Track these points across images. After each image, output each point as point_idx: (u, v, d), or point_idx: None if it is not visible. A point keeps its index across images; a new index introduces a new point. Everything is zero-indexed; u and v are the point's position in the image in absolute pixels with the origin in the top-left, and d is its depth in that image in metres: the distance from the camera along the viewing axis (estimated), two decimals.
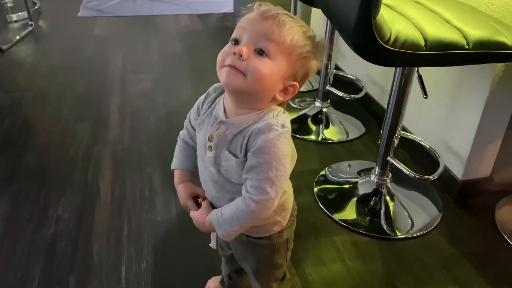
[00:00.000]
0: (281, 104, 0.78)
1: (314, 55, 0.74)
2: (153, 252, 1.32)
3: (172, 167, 0.89)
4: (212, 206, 0.83)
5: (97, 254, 1.31)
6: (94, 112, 2.08)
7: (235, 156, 0.74)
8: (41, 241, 1.35)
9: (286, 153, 0.72)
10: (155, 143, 1.86)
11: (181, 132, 0.90)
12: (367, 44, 1.05)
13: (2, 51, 2.71)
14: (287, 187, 0.85)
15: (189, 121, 0.87)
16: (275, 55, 0.70)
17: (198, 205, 0.85)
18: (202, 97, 0.84)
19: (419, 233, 1.43)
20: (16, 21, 3.22)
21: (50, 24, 3.30)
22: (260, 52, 0.70)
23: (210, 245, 0.96)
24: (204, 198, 0.85)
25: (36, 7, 3.44)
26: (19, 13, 3.23)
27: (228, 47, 0.73)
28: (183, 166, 0.87)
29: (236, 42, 0.72)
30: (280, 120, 0.73)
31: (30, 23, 3.11)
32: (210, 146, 0.77)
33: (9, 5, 3.38)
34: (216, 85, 0.82)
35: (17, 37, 2.90)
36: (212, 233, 0.95)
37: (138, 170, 1.69)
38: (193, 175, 0.88)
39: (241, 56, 0.69)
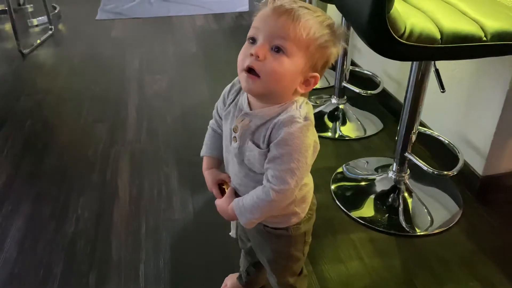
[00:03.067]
0: (303, 94, 0.78)
1: (333, 43, 0.74)
2: (170, 250, 1.33)
3: (201, 154, 0.92)
4: (236, 194, 0.84)
5: (116, 252, 1.33)
6: (112, 113, 2.11)
7: (258, 146, 0.76)
8: (62, 240, 1.38)
9: (308, 145, 0.73)
10: (172, 143, 1.87)
11: (210, 121, 0.92)
12: (381, 38, 1.03)
13: (23, 55, 2.78)
14: (309, 180, 0.86)
15: (217, 111, 0.89)
16: (292, 51, 0.70)
17: (222, 192, 0.87)
18: (228, 87, 0.85)
19: (438, 230, 1.40)
20: (36, 26, 3.29)
21: (69, 27, 3.36)
22: (277, 50, 0.70)
23: (230, 234, 0.98)
24: (228, 185, 0.86)
25: (56, 12, 3.50)
26: (40, 18, 3.30)
27: (246, 47, 0.73)
28: (211, 153, 0.90)
29: (253, 40, 0.72)
30: (303, 112, 0.74)
31: (50, 27, 3.17)
32: (235, 137, 0.79)
33: (30, 10, 3.46)
34: None
35: (38, 41, 2.97)
36: (232, 222, 0.97)
37: (155, 169, 1.70)
38: (220, 162, 0.90)
39: (258, 57, 0.70)
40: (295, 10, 0.70)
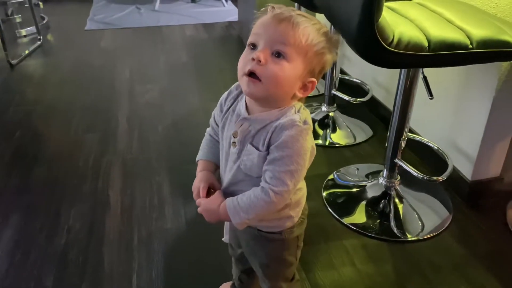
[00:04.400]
0: (300, 100, 0.80)
1: (328, 50, 0.77)
2: (163, 260, 1.33)
3: (197, 159, 0.92)
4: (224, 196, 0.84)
5: (108, 262, 1.32)
6: (103, 123, 2.10)
7: (257, 149, 0.77)
8: (53, 251, 1.37)
9: (307, 149, 0.75)
10: (163, 152, 1.87)
11: (207, 129, 0.93)
12: (370, 47, 1.05)
13: (12, 66, 2.76)
14: (303, 185, 0.87)
15: (214, 119, 0.90)
16: (292, 57, 0.72)
17: (208, 193, 0.86)
18: (225, 94, 0.87)
19: (429, 235, 1.42)
20: (25, 36, 3.28)
21: (58, 38, 3.35)
22: (278, 55, 0.72)
23: (223, 239, 0.98)
24: (216, 190, 0.86)
25: (45, 22, 3.50)
26: (28, 28, 3.29)
27: (246, 53, 0.75)
28: (207, 157, 0.90)
29: (254, 46, 0.75)
30: (302, 116, 0.76)
31: (38, 37, 3.17)
32: (235, 142, 0.80)
33: (18, 20, 3.44)
34: (238, 83, 0.84)
35: (26, 52, 2.95)
36: (225, 228, 0.97)
37: (147, 179, 1.70)
38: (215, 167, 0.90)
39: (260, 61, 0.72)
40: (294, 17, 0.72)
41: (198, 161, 0.91)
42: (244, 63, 0.74)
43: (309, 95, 0.80)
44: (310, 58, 0.74)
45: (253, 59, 0.72)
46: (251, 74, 0.73)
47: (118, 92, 2.43)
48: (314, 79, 0.77)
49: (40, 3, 3.68)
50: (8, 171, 1.76)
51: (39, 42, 3.13)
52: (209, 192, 0.86)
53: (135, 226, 1.46)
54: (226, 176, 0.85)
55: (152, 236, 1.42)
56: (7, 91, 2.48)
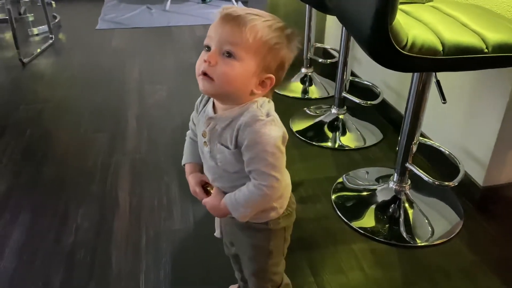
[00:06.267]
0: (266, 95, 0.82)
1: (284, 45, 0.77)
2: (171, 261, 1.33)
3: (182, 163, 0.95)
4: (223, 192, 0.87)
5: (116, 263, 1.32)
6: (112, 123, 2.11)
7: (226, 147, 0.80)
8: (61, 251, 1.37)
9: (277, 137, 0.76)
10: (172, 153, 1.87)
11: (187, 132, 0.96)
12: (383, 50, 1.04)
13: (23, 64, 2.78)
14: (285, 177, 0.88)
15: (192, 121, 0.93)
16: (241, 55, 0.74)
17: (207, 193, 0.90)
18: (200, 98, 0.90)
19: (439, 241, 1.40)
20: (37, 35, 3.31)
21: (70, 37, 3.38)
22: (228, 55, 0.74)
23: (215, 234, 1.01)
24: (212, 186, 0.89)
25: (56, 21, 3.52)
26: (40, 27, 3.32)
27: (202, 55, 0.78)
28: (191, 160, 0.94)
29: (208, 48, 0.77)
30: (264, 110, 0.78)
31: (50, 36, 3.19)
32: (205, 142, 0.83)
33: (30, 19, 3.48)
34: None
35: (38, 50, 2.98)
36: (216, 223, 1.00)
37: (156, 179, 1.70)
38: (201, 167, 0.93)
39: (210, 63, 0.74)
40: (241, 17, 0.74)
41: (184, 165, 0.95)
42: (199, 64, 0.77)
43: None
44: (263, 54, 0.75)
45: (205, 61, 0.75)
46: (205, 74, 0.75)
47: (127, 92, 2.43)
48: (271, 75, 0.78)
49: (53, 2, 3.71)
50: (18, 169, 1.77)
51: (50, 41, 3.15)
52: (207, 191, 0.90)
53: (143, 226, 1.46)
54: (209, 174, 0.88)
55: (160, 236, 1.42)
56: (18, 89, 2.50)
